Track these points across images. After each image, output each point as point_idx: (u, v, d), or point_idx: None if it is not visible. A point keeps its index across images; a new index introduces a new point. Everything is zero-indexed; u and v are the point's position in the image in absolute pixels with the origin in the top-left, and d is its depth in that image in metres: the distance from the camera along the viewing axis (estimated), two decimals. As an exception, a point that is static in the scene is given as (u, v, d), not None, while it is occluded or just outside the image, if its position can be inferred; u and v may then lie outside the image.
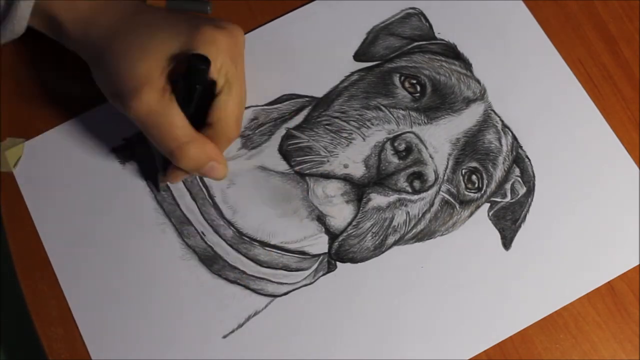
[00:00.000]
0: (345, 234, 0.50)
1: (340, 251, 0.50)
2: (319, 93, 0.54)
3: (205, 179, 0.52)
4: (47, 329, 0.50)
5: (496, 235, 0.51)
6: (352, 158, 0.51)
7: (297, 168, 0.52)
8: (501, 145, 0.53)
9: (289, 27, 0.56)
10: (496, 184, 0.52)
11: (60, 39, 0.50)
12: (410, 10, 0.56)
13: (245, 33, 0.56)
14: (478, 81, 0.54)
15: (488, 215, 0.51)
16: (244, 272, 0.50)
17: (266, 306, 0.50)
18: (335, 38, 0.56)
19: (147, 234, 0.51)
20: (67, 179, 0.53)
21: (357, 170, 0.51)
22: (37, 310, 0.50)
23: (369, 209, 0.51)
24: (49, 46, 0.57)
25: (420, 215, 0.51)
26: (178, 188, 0.52)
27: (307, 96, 0.54)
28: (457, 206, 0.51)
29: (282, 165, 0.52)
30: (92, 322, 0.49)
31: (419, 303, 0.49)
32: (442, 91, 0.54)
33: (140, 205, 0.52)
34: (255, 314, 0.49)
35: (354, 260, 0.50)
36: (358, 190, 0.51)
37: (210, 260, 0.50)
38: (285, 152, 0.52)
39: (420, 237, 0.51)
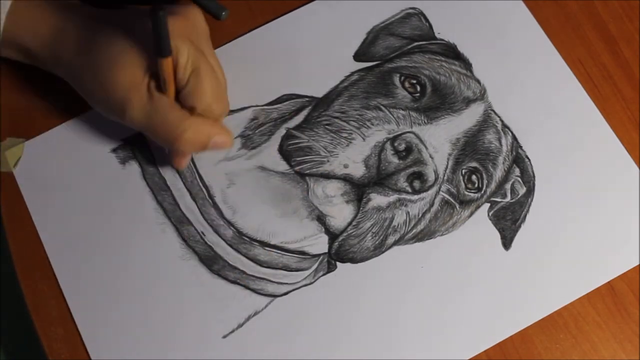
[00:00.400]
0: (345, 234, 0.50)
1: (340, 251, 0.50)
2: (319, 93, 0.54)
3: (206, 179, 0.52)
4: (47, 329, 0.50)
5: (496, 235, 0.51)
6: (352, 158, 0.51)
7: (297, 168, 0.52)
8: (501, 145, 0.53)
9: (289, 27, 0.56)
10: (496, 184, 0.52)
11: (37, 64, 0.51)
12: (410, 10, 0.56)
13: (245, 33, 0.56)
14: (478, 81, 0.54)
15: (488, 215, 0.51)
16: (244, 272, 0.50)
17: (266, 306, 0.50)
18: (335, 38, 0.56)
19: (147, 234, 0.51)
20: (67, 179, 0.53)
21: (357, 170, 0.51)
22: (37, 310, 0.50)
23: (369, 209, 0.50)
24: (49, 46, 0.57)
25: (420, 215, 0.51)
26: (178, 188, 0.52)
27: (307, 96, 0.54)
28: (457, 206, 0.51)
29: (282, 165, 0.52)
30: (92, 322, 0.49)
31: (419, 303, 0.49)
32: (442, 91, 0.54)
33: (140, 205, 0.52)
34: (255, 314, 0.49)
35: (354, 260, 0.50)
36: (358, 190, 0.51)
37: (210, 260, 0.50)
38: (285, 152, 0.52)
39: (420, 237, 0.51)
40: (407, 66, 0.55)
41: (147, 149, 0.53)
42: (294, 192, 0.51)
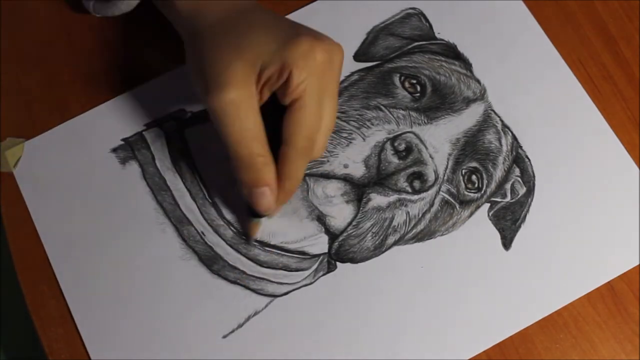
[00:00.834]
0: (345, 234, 0.50)
1: (340, 251, 0.50)
2: (319, 93, 0.54)
3: (206, 179, 0.52)
4: (47, 329, 0.50)
5: (496, 235, 0.51)
6: (352, 158, 0.51)
7: (297, 168, 0.52)
8: (501, 145, 0.53)
9: (289, 27, 0.56)
10: (496, 184, 0.52)
11: (167, 14, 0.51)
12: (410, 10, 0.56)
13: (245, 33, 0.56)
14: (478, 81, 0.54)
15: (488, 215, 0.51)
16: (244, 272, 0.50)
17: (266, 306, 0.50)
18: (335, 38, 0.56)
19: (147, 234, 0.51)
20: (67, 179, 0.53)
21: (357, 170, 0.51)
22: (37, 310, 0.50)
23: (369, 209, 0.50)
24: (49, 46, 0.57)
25: (420, 215, 0.51)
26: (178, 188, 0.52)
27: (307, 96, 0.54)
28: (457, 206, 0.51)
29: (282, 165, 0.52)
30: (92, 322, 0.49)
31: (419, 303, 0.49)
32: (442, 91, 0.54)
33: (140, 205, 0.52)
34: (255, 314, 0.49)
35: (354, 260, 0.50)
36: (358, 190, 0.51)
37: (210, 260, 0.50)
38: (285, 152, 0.52)
39: (420, 237, 0.51)
40: (407, 66, 0.55)
41: (147, 149, 0.53)
42: (294, 192, 0.51)
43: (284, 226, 0.51)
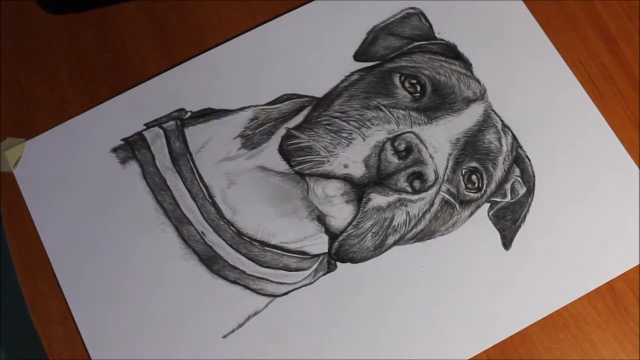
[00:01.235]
0: (345, 234, 0.50)
1: (340, 251, 0.50)
2: (319, 93, 0.54)
3: (205, 179, 0.52)
4: (47, 329, 0.50)
5: (496, 235, 0.51)
6: (352, 158, 0.51)
7: (297, 168, 0.52)
8: (501, 145, 0.53)
9: (289, 26, 0.56)
10: (496, 184, 0.52)
11: None
12: (410, 10, 0.56)
13: (245, 32, 0.56)
14: (478, 81, 0.54)
15: (488, 215, 0.51)
16: (244, 272, 0.50)
17: (266, 306, 0.50)
18: (335, 38, 0.56)
19: (147, 234, 0.51)
20: (67, 179, 0.53)
21: (357, 170, 0.51)
22: (37, 310, 0.50)
23: (369, 208, 0.50)
24: (49, 46, 0.57)
25: (420, 215, 0.51)
26: (178, 188, 0.52)
27: (307, 96, 0.54)
28: (457, 206, 0.51)
29: (282, 165, 0.52)
30: (92, 322, 0.49)
31: (419, 303, 0.49)
32: (442, 91, 0.54)
33: (140, 205, 0.52)
34: (255, 313, 0.49)
35: (354, 260, 0.50)
36: (358, 190, 0.51)
37: (210, 260, 0.50)
38: (285, 152, 0.52)
39: (420, 237, 0.51)
40: (407, 66, 0.55)
41: (147, 149, 0.53)
42: (294, 192, 0.51)
43: (284, 226, 0.51)
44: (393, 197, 0.51)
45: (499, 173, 0.52)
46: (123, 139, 0.54)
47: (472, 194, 0.52)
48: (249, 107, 0.54)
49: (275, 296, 0.50)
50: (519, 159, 0.53)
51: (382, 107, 0.53)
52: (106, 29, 0.57)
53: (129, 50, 0.56)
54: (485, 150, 0.52)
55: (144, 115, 0.54)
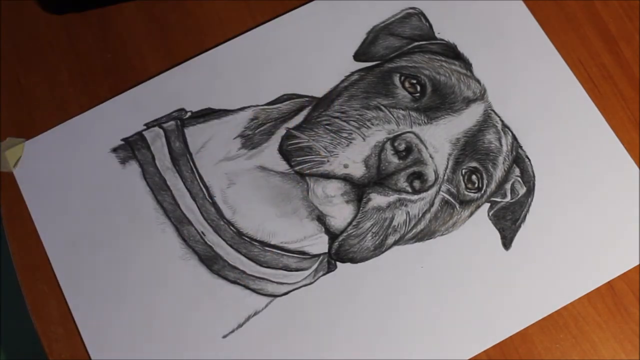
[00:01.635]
0: (345, 234, 0.50)
1: (340, 251, 0.50)
2: (319, 93, 0.54)
3: (205, 179, 0.52)
4: (47, 329, 0.50)
5: (496, 235, 0.51)
6: (352, 158, 0.51)
7: (297, 168, 0.52)
8: (501, 145, 0.53)
9: (289, 26, 0.56)
10: (496, 184, 0.52)
11: None
12: (410, 10, 0.56)
13: (245, 32, 0.56)
14: (478, 81, 0.54)
15: (488, 215, 0.51)
16: (244, 272, 0.50)
17: (266, 306, 0.50)
18: (335, 38, 0.56)
19: (147, 234, 0.51)
20: (67, 179, 0.53)
21: (357, 170, 0.51)
22: (37, 310, 0.50)
23: (369, 209, 0.50)
24: (49, 46, 0.57)
25: (420, 215, 0.51)
26: (178, 188, 0.52)
27: (307, 96, 0.54)
28: (457, 206, 0.51)
29: (282, 165, 0.52)
30: (92, 322, 0.49)
31: (419, 303, 0.49)
32: (442, 91, 0.54)
33: (140, 205, 0.52)
34: (255, 313, 0.49)
35: (354, 260, 0.50)
36: (358, 190, 0.51)
37: (210, 260, 0.50)
38: (285, 152, 0.52)
39: (420, 237, 0.51)
40: (407, 66, 0.55)
41: (147, 148, 0.53)
42: (294, 192, 0.51)
43: (284, 226, 0.51)
44: (393, 197, 0.51)
45: (499, 173, 0.52)
46: (123, 139, 0.54)
47: (472, 194, 0.52)
48: (249, 107, 0.54)
49: (275, 296, 0.50)
50: (519, 159, 0.53)
51: (382, 107, 0.53)
52: (106, 29, 0.57)
53: (129, 50, 0.56)
54: (485, 150, 0.52)
55: (144, 115, 0.54)
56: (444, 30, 0.56)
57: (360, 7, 0.56)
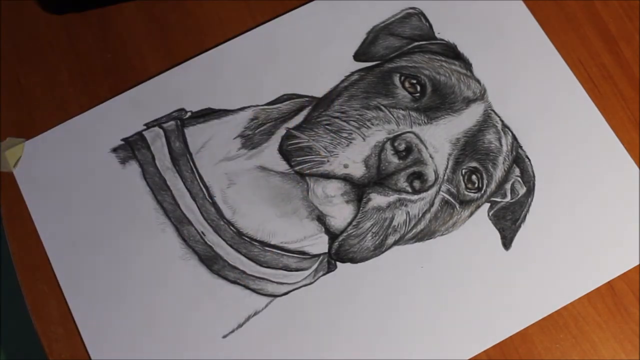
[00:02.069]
0: (345, 234, 0.50)
1: (340, 251, 0.50)
2: (319, 93, 0.54)
3: (205, 179, 0.52)
4: (47, 329, 0.50)
5: (496, 235, 0.51)
6: (352, 158, 0.51)
7: (297, 168, 0.52)
8: (501, 145, 0.53)
9: (289, 26, 0.56)
10: (496, 184, 0.52)
11: None
12: (410, 10, 0.56)
13: (244, 32, 0.56)
14: (478, 81, 0.54)
15: (488, 215, 0.51)
16: (244, 272, 0.50)
17: (266, 306, 0.50)
18: (335, 38, 0.56)
19: (147, 234, 0.51)
20: (67, 179, 0.53)
21: (357, 170, 0.51)
22: (37, 310, 0.50)
23: (369, 209, 0.50)
24: (49, 46, 0.57)
25: (420, 215, 0.51)
26: (178, 188, 0.52)
27: (307, 96, 0.54)
28: (457, 206, 0.51)
29: (282, 165, 0.52)
30: (92, 322, 0.49)
31: (419, 303, 0.49)
32: (442, 91, 0.54)
33: (140, 205, 0.52)
34: (255, 313, 0.49)
35: (354, 260, 0.50)
36: (358, 190, 0.51)
37: (210, 260, 0.50)
38: (285, 152, 0.52)
39: (420, 237, 0.51)
40: (407, 66, 0.55)
41: (147, 148, 0.53)
42: (294, 192, 0.51)
43: (284, 226, 0.51)
44: (393, 197, 0.51)
45: (499, 173, 0.52)
46: (123, 139, 0.54)
47: (472, 194, 0.52)
48: (249, 107, 0.54)
49: (275, 296, 0.50)
50: (519, 159, 0.53)
51: (382, 107, 0.53)
52: (106, 29, 0.57)
53: (129, 50, 0.56)
54: (485, 150, 0.52)
55: (144, 115, 0.54)
56: (444, 30, 0.56)
57: (360, 7, 0.56)
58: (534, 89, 0.54)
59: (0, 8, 0.58)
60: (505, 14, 0.56)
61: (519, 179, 0.52)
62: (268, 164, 0.52)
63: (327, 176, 0.51)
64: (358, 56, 0.55)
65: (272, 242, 0.51)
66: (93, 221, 0.52)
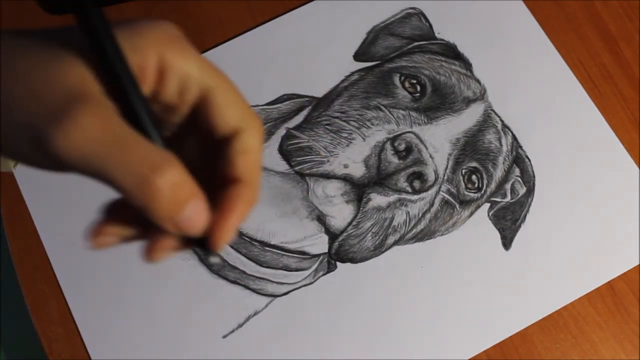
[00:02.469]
0: (345, 234, 0.50)
1: (340, 251, 0.50)
2: (319, 93, 0.54)
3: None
4: (47, 329, 0.50)
5: (496, 235, 0.51)
6: (352, 158, 0.51)
7: (297, 168, 0.52)
8: (501, 145, 0.53)
9: (289, 26, 0.56)
10: (496, 184, 0.52)
11: None
12: (410, 10, 0.56)
13: (245, 32, 0.56)
14: (478, 81, 0.54)
15: (488, 215, 0.51)
16: (244, 272, 0.50)
17: (266, 306, 0.50)
18: (335, 38, 0.56)
19: (147, 234, 0.51)
20: (67, 179, 0.53)
21: (357, 170, 0.51)
22: (37, 310, 0.50)
23: (369, 208, 0.50)
24: (49, 46, 0.57)
25: (420, 215, 0.51)
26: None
27: (307, 96, 0.54)
28: (457, 206, 0.51)
29: (282, 165, 0.52)
30: (92, 322, 0.49)
31: (419, 303, 0.49)
32: (442, 91, 0.54)
33: (140, 205, 0.52)
34: (255, 313, 0.49)
35: (354, 260, 0.50)
36: (358, 190, 0.51)
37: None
38: (285, 152, 0.52)
39: (420, 237, 0.51)
40: (407, 66, 0.55)
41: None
42: (294, 192, 0.51)
43: (284, 226, 0.51)
44: (393, 197, 0.50)
45: (499, 173, 0.52)
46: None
47: (472, 194, 0.52)
48: (249, 107, 0.54)
49: (275, 296, 0.50)
50: (519, 159, 0.53)
51: (382, 107, 0.53)
52: (106, 29, 0.57)
53: (129, 50, 0.56)
54: (485, 150, 0.52)
55: (144, 115, 0.54)
56: (444, 30, 0.56)
57: (360, 7, 0.56)
58: (534, 89, 0.54)
59: (1, 8, 0.58)
60: (505, 14, 0.56)
61: (519, 179, 0.52)
62: (268, 164, 0.52)
63: (327, 176, 0.51)
64: (358, 56, 0.55)
65: (272, 242, 0.51)
66: (93, 221, 0.52)
